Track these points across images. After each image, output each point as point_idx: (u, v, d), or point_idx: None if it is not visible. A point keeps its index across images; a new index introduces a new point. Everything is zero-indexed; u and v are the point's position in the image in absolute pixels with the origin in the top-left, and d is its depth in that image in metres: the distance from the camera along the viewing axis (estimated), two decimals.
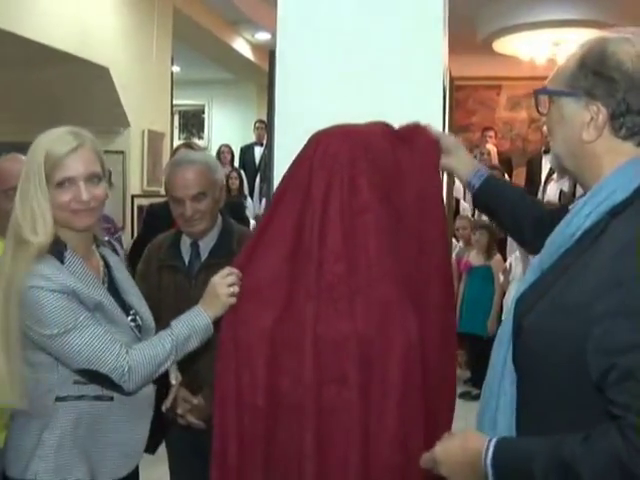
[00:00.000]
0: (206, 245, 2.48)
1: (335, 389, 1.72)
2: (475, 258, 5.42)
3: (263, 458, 1.76)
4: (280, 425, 1.76)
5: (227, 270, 1.82)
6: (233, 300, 1.80)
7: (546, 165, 7.08)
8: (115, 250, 2.06)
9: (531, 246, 1.93)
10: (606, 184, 1.33)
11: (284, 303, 1.77)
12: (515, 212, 1.88)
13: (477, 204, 1.99)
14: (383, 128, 1.87)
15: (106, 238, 2.09)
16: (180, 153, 3.29)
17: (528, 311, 1.37)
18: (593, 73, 1.34)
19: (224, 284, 1.80)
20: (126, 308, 1.93)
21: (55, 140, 1.77)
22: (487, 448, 1.30)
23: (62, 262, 1.77)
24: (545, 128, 1.53)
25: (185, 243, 2.51)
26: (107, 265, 1.96)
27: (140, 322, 1.95)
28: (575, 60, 1.38)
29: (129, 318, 1.92)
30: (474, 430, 1.44)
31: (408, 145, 1.84)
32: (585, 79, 1.35)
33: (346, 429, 1.71)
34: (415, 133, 1.86)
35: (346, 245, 1.76)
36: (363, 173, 1.79)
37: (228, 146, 8.78)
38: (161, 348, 1.79)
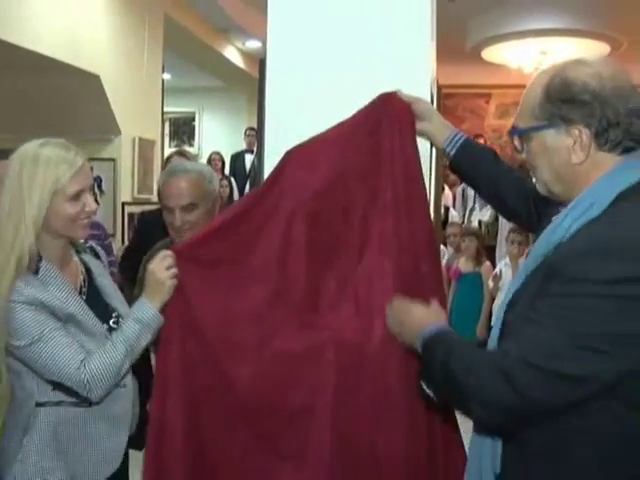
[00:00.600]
0: None
1: (307, 398, 1.76)
2: (464, 265, 5.45)
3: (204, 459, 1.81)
4: (229, 422, 1.80)
5: (162, 254, 1.83)
6: (175, 282, 1.80)
7: None
8: (97, 255, 2.08)
9: (515, 219, 2.04)
10: (584, 198, 1.40)
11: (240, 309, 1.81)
12: (493, 183, 1.93)
13: (454, 172, 2.04)
14: (355, 123, 1.91)
15: (88, 244, 2.11)
16: (174, 161, 3.28)
17: (511, 309, 1.45)
18: (562, 101, 1.40)
19: (162, 268, 1.81)
20: (109, 311, 1.96)
21: (62, 160, 1.80)
22: (433, 325, 1.55)
23: (37, 273, 1.79)
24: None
25: None
26: (88, 270, 1.98)
27: None
28: (538, 94, 1.43)
29: (111, 321, 1.94)
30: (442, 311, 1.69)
31: (384, 120, 1.87)
32: (557, 108, 1.40)
33: (321, 432, 1.75)
34: (388, 101, 1.89)
35: (313, 263, 1.81)
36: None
37: (219, 154, 8.80)
38: (115, 352, 1.79)
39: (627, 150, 1.40)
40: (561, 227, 1.40)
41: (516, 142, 1.52)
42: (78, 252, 1.99)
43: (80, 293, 1.92)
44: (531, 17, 7.29)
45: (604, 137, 1.39)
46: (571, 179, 1.43)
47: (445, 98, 9.85)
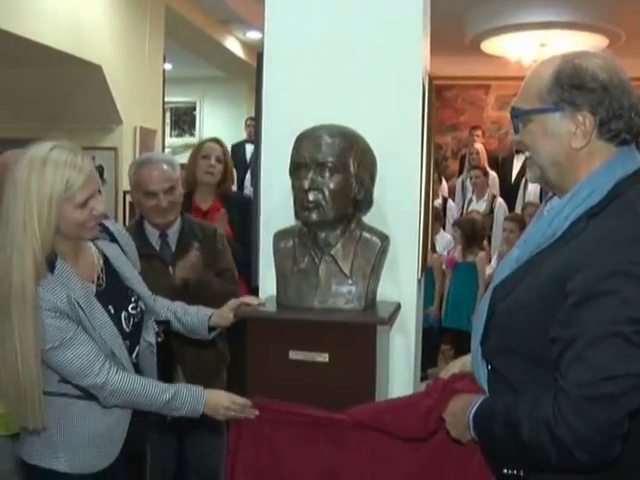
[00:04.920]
0: (174, 234, 2.78)
1: None
2: (460, 254, 5.51)
3: None
4: None
5: (243, 401, 1.93)
6: (224, 417, 1.94)
7: (517, 165, 7.28)
8: (114, 238, 2.12)
9: None
10: (583, 187, 1.45)
11: None
12: None
13: None
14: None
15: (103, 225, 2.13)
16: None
17: (504, 298, 1.49)
18: (572, 87, 1.44)
19: (229, 407, 1.93)
20: (127, 296, 2.04)
21: (71, 167, 1.82)
22: (474, 404, 1.50)
23: (52, 272, 1.86)
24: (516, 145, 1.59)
25: (152, 234, 2.77)
26: (105, 257, 2.05)
27: (143, 307, 2.07)
28: (546, 78, 1.47)
29: (130, 306, 2.03)
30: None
31: None
32: (566, 93, 1.44)
33: None
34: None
35: None
36: None
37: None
38: (153, 396, 1.90)
39: (622, 142, 1.46)
40: (559, 217, 1.45)
41: (515, 123, 1.54)
42: (93, 239, 2.04)
43: (98, 281, 2.00)
44: (530, 9, 7.31)
45: (607, 126, 1.44)
46: (566, 164, 1.47)
47: (444, 90, 9.88)
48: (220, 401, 1.94)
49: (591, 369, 1.28)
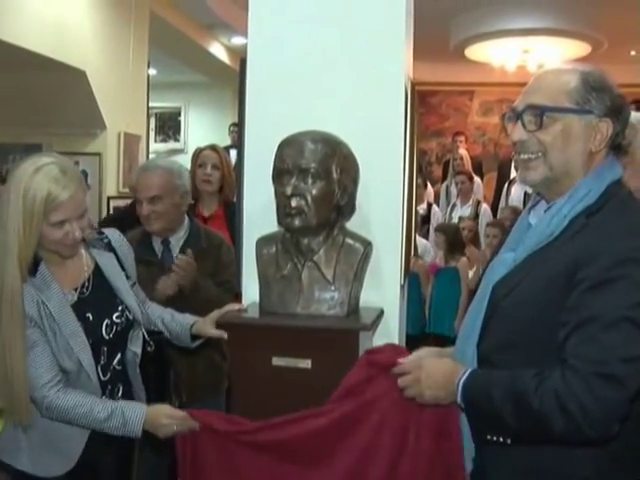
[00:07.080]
0: (177, 242, 2.76)
1: None
2: (441, 260, 5.52)
3: None
4: None
5: (182, 414, 1.89)
6: (165, 434, 1.89)
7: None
8: (110, 245, 2.12)
9: None
10: (580, 188, 1.51)
11: None
12: None
13: None
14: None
15: (103, 235, 2.14)
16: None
17: (506, 296, 1.53)
18: (603, 92, 1.49)
19: (170, 423, 1.88)
20: (114, 304, 2.04)
21: (54, 182, 1.84)
22: (464, 372, 1.52)
23: (35, 274, 1.90)
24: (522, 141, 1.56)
25: (156, 240, 2.76)
26: (97, 264, 2.06)
27: (129, 316, 2.06)
28: (573, 79, 1.50)
29: (115, 314, 2.03)
30: None
31: None
32: (598, 98, 1.49)
33: None
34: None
35: None
36: None
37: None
38: (94, 416, 1.88)
39: (616, 153, 1.55)
40: (558, 216, 1.50)
41: (529, 119, 1.52)
42: (89, 246, 2.06)
43: (82, 288, 2.01)
44: (514, 16, 7.38)
45: (618, 137, 1.52)
46: (577, 166, 1.52)
47: (429, 96, 9.95)
48: (158, 415, 1.89)
49: (603, 350, 1.34)
